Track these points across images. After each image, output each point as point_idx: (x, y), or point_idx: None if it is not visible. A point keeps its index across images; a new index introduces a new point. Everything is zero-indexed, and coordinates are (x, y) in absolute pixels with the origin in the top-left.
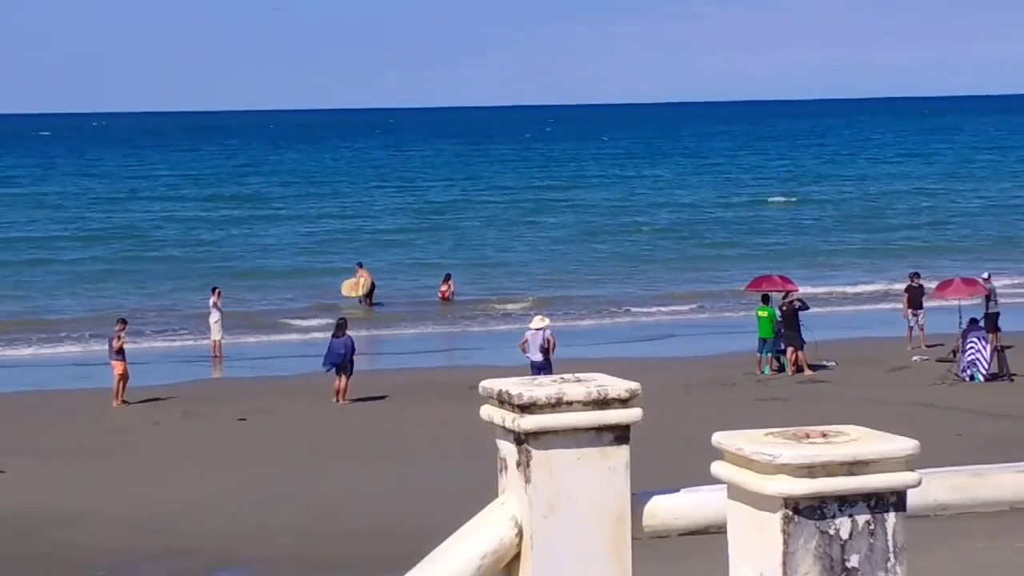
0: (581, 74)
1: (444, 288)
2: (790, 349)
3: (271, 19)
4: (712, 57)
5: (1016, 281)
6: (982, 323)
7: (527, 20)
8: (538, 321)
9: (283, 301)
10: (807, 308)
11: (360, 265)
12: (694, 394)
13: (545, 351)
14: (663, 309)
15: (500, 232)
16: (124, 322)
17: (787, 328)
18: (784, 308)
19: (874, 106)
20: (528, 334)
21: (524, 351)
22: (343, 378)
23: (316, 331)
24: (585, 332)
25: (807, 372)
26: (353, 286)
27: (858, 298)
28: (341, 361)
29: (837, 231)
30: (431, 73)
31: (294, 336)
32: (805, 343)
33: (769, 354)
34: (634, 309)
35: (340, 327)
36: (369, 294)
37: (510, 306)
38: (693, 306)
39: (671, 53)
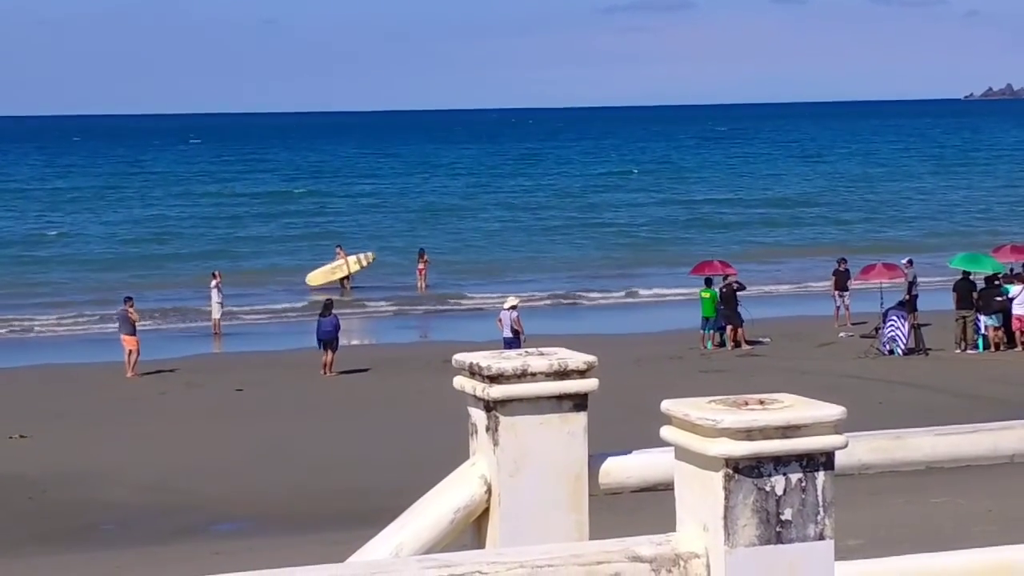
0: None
1: (421, 265)
2: (729, 326)
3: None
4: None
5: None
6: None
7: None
8: (511, 300)
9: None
10: (744, 289)
11: (339, 247)
12: (645, 366)
13: (516, 330)
14: (621, 292)
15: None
16: (131, 299)
17: (727, 307)
18: (724, 290)
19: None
20: (502, 312)
21: (499, 327)
22: (330, 353)
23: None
24: (550, 311)
25: (744, 347)
26: (328, 272)
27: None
28: (328, 338)
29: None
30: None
31: (289, 315)
32: (744, 321)
33: (711, 330)
34: (592, 294)
35: (327, 307)
36: (347, 277)
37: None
38: (646, 289)
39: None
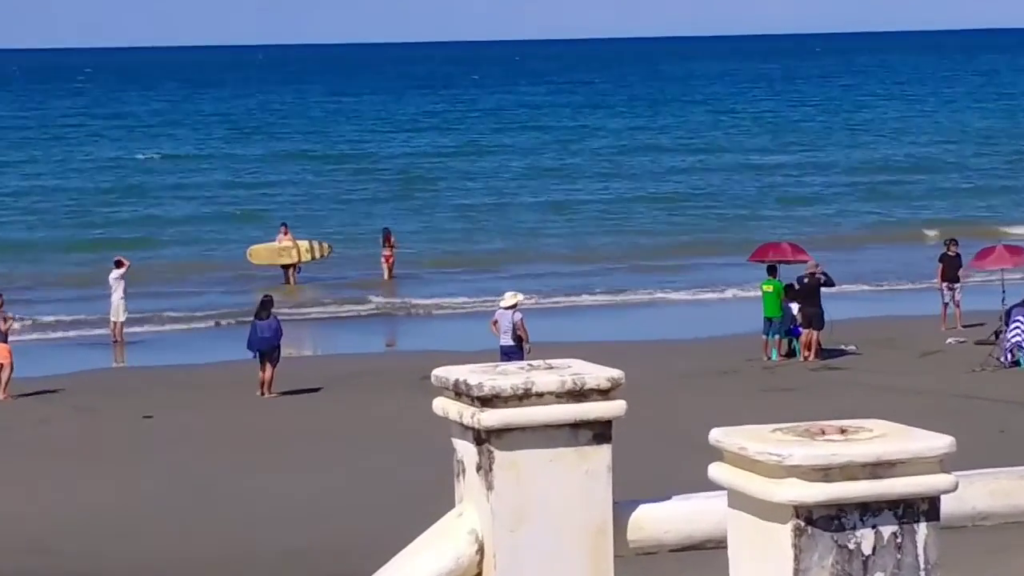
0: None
1: (387, 252)
2: (805, 331)
3: None
4: None
5: None
6: None
7: None
8: (509, 298)
9: (198, 281)
10: (832, 284)
11: (285, 226)
12: (688, 384)
13: (518, 335)
14: (653, 282)
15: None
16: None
17: (807, 305)
18: (805, 281)
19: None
20: (498, 313)
21: (494, 332)
22: (269, 367)
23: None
24: (560, 310)
25: (813, 358)
26: (274, 251)
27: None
28: (267, 347)
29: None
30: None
31: (209, 320)
32: (824, 324)
33: (777, 335)
34: (618, 283)
35: (264, 306)
36: (294, 266)
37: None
38: (688, 279)
39: None
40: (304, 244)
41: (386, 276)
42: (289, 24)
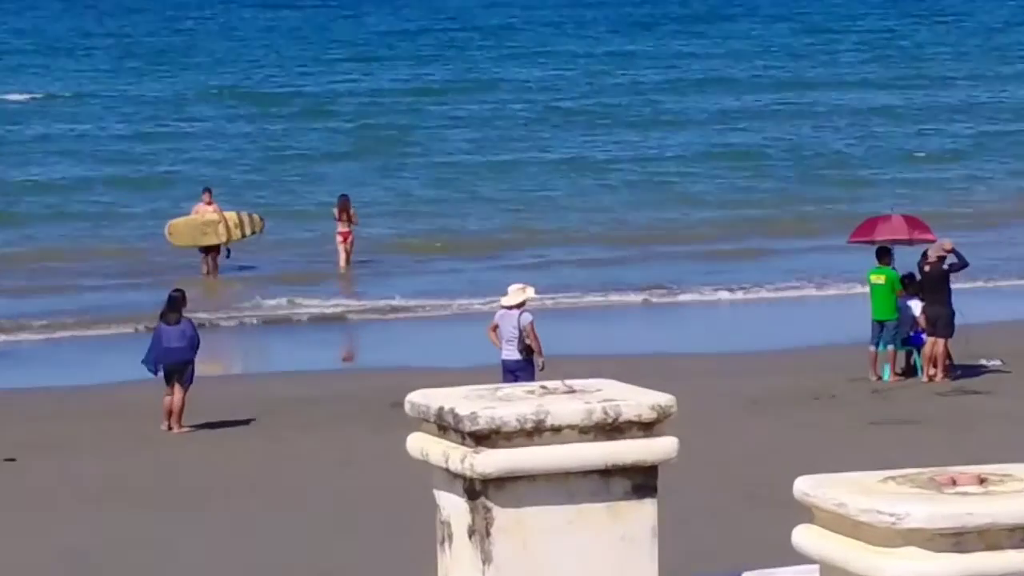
0: None
1: (343, 228)
2: (930, 339)
3: None
4: None
5: None
6: None
7: None
8: (514, 293)
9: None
10: (964, 265)
11: (208, 192)
12: (764, 414)
13: (527, 345)
14: (712, 272)
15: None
16: None
17: (932, 303)
18: (927, 269)
19: None
20: (499, 314)
21: (494, 341)
22: (178, 390)
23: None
24: (584, 309)
25: (942, 377)
26: (197, 227)
27: None
28: (175, 361)
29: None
30: None
31: (97, 325)
32: (954, 330)
33: (891, 346)
34: (664, 274)
35: (172, 305)
36: (218, 248)
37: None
38: (763, 269)
39: None
40: (232, 216)
41: (342, 263)
42: None
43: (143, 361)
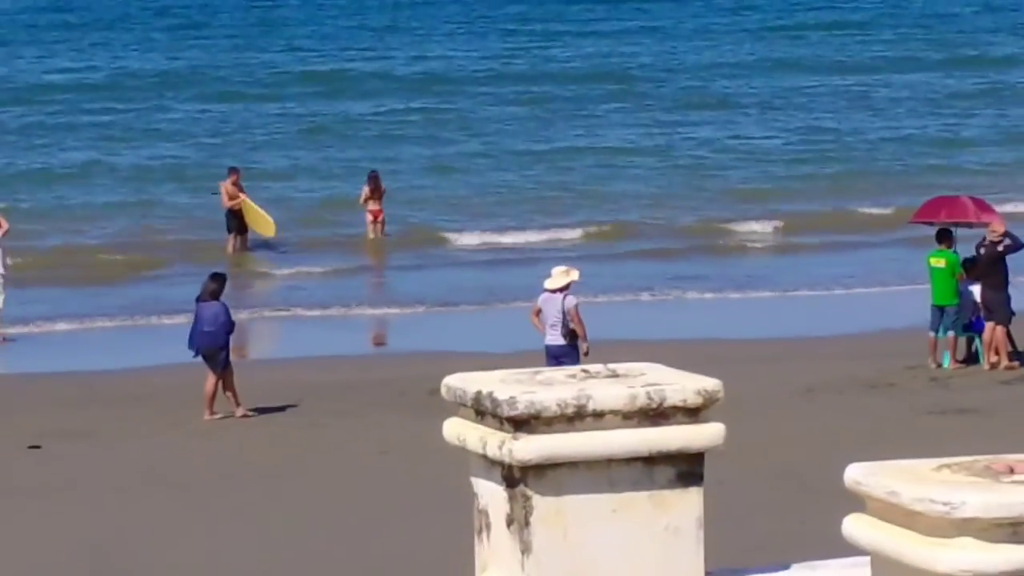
0: None
1: (373, 205)
2: (989, 324)
3: None
4: None
5: None
6: None
7: None
8: (560, 275)
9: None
10: (1021, 247)
11: (236, 173)
12: (816, 402)
13: (571, 329)
14: (754, 241)
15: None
16: None
17: (988, 287)
18: (983, 252)
19: None
20: (542, 297)
21: (538, 326)
22: (210, 375)
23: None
24: (625, 283)
25: (1007, 364)
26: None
27: None
28: (212, 345)
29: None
30: None
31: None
32: (1013, 314)
33: (951, 332)
34: (709, 240)
35: (212, 285)
36: (239, 218)
37: (467, 238)
38: (816, 241)
39: None
40: (256, 207)
41: (372, 236)
42: None
43: (189, 344)
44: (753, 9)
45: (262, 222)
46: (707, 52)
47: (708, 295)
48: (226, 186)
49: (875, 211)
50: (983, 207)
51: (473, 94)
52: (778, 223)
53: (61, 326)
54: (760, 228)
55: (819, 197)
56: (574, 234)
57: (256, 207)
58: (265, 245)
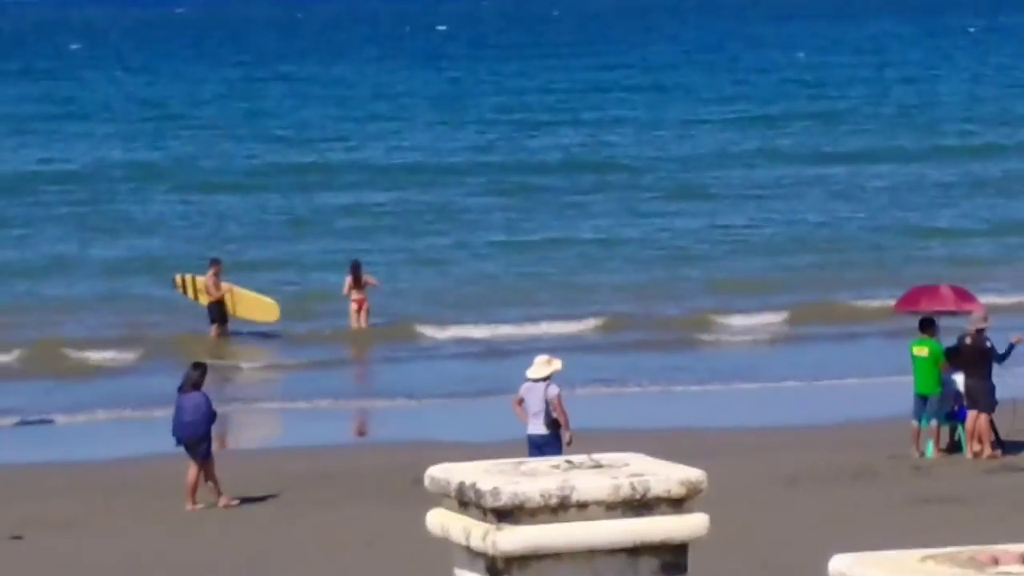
0: None
1: (356, 295)
2: (972, 413)
3: None
4: None
5: None
6: None
7: None
8: (542, 365)
9: (90, 327)
10: (998, 359)
11: (217, 264)
12: (800, 491)
13: (553, 419)
14: (740, 333)
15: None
16: None
17: (971, 376)
18: (968, 342)
19: None
20: (524, 387)
21: (520, 415)
22: (192, 465)
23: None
24: (607, 371)
25: (989, 452)
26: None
27: None
28: (192, 435)
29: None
30: None
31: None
32: (996, 403)
33: (934, 421)
34: (692, 333)
35: (194, 375)
36: (221, 309)
37: (448, 331)
38: (799, 329)
39: None
40: (245, 293)
41: (356, 325)
42: None
43: (172, 433)
44: (735, 99)
45: (261, 308)
46: (688, 142)
47: (693, 387)
48: (207, 279)
49: (859, 302)
50: (964, 296)
51: (452, 184)
52: (762, 314)
53: (45, 416)
54: (743, 320)
55: (803, 288)
56: (556, 325)
57: (251, 293)
58: (250, 335)
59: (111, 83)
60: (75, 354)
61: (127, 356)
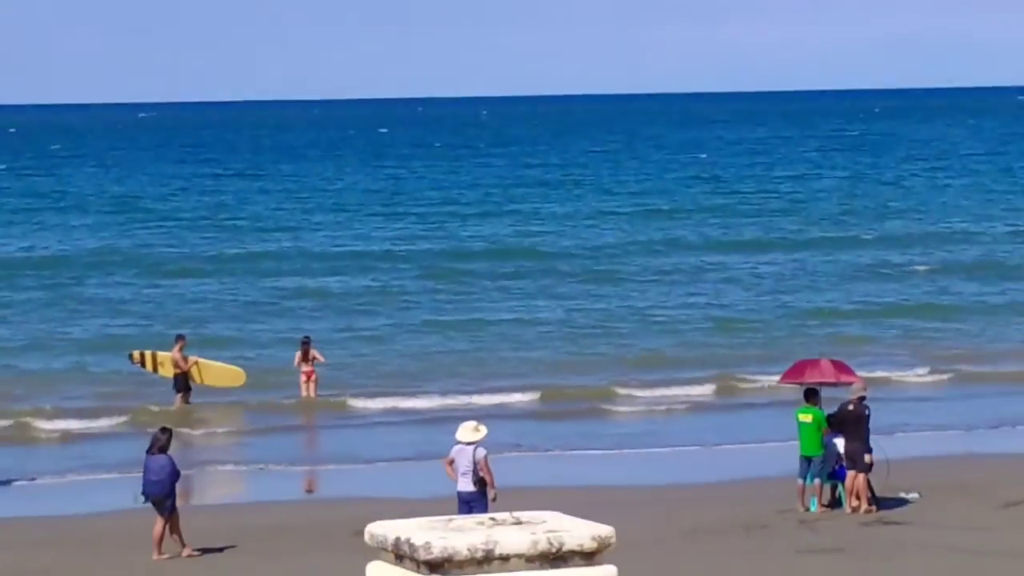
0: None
1: (306, 367)
2: (851, 472)
3: None
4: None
5: None
6: None
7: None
8: (469, 430)
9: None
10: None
11: (182, 340)
12: (700, 543)
13: (481, 477)
14: (647, 404)
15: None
16: None
17: (852, 439)
18: (850, 408)
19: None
20: (455, 449)
21: (451, 474)
22: (158, 519)
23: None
24: (528, 436)
25: (866, 508)
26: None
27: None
28: (157, 494)
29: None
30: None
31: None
32: (872, 464)
33: (817, 480)
34: (603, 403)
35: (161, 438)
36: (185, 379)
37: (387, 401)
38: (700, 400)
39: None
40: (212, 363)
41: (306, 394)
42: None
43: (142, 491)
44: (642, 194)
45: (228, 375)
46: (599, 232)
47: (605, 451)
48: (174, 353)
49: (750, 375)
50: (842, 368)
51: (389, 269)
52: (667, 387)
53: (25, 477)
54: (649, 392)
55: (702, 363)
56: (484, 397)
57: (216, 363)
58: (210, 404)
59: (87, 179)
60: (51, 423)
61: (100, 423)
